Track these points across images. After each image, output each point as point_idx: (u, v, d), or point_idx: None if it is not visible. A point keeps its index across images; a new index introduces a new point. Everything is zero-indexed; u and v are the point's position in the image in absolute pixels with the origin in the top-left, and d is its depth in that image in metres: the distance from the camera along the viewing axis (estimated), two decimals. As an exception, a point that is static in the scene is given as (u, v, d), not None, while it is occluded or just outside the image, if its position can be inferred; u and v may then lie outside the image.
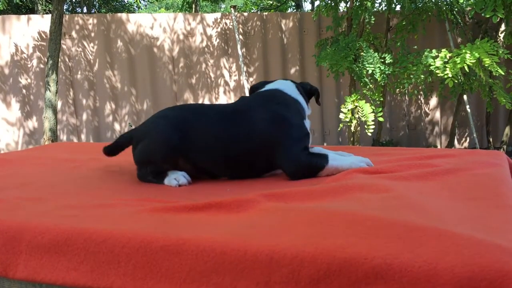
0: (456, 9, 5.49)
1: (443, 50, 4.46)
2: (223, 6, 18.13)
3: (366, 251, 0.71)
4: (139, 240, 0.84)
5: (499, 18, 3.93)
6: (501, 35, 5.68)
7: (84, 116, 5.92)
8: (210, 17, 6.05)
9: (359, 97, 4.55)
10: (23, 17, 5.64)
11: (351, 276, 0.70)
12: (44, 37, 5.60)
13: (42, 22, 5.63)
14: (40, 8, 11.85)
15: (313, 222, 0.85)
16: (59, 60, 5.30)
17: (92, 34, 5.81)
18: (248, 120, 1.47)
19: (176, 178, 1.43)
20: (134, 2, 16.54)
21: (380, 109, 4.42)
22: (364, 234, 0.76)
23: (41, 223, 0.95)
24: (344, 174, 1.31)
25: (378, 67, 4.39)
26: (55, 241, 0.90)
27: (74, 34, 5.77)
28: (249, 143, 1.45)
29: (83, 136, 5.94)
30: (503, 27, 5.61)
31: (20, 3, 12.40)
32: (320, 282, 0.71)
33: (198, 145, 1.46)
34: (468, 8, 5.72)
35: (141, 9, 17.90)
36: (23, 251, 0.92)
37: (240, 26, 6.05)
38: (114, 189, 1.33)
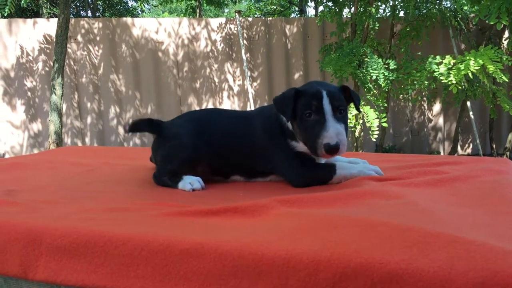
0: (460, 15, 5.53)
1: (447, 56, 4.49)
2: (226, 10, 18.21)
3: (381, 256, 0.73)
4: (158, 243, 0.86)
5: (503, 25, 3.96)
6: (505, 42, 5.71)
7: (89, 120, 5.96)
8: (214, 22, 6.10)
9: (363, 102, 4.58)
10: (29, 21, 5.70)
11: (366, 280, 0.72)
12: (50, 40, 5.65)
13: (48, 26, 5.68)
14: (45, 11, 11.93)
15: (327, 227, 0.88)
16: (65, 63, 5.35)
17: (98, 38, 5.86)
18: (250, 125, 1.56)
19: (191, 182, 1.46)
20: (138, 6, 16.64)
21: (384, 114, 4.45)
22: (378, 240, 0.79)
23: (61, 225, 0.97)
24: (355, 181, 1.33)
25: (382, 73, 4.42)
26: (75, 243, 0.92)
27: (79, 38, 5.82)
28: (250, 147, 1.53)
29: (87, 140, 5.97)
30: (506, 34, 5.63)
31: (25, 7, 12.49)
32: (335, 286, 0.73)
33: (216, 148, 1.54)
34: (472, 15, 5.75)
35: (145, 13, 17.99)
36: (43, 253, 0.94)
37: (244, 31, 6.09)
38: (129, 193, 1.35)
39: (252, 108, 5.54)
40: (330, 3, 5.35)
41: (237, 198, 1.22)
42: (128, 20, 5.97)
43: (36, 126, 5.82)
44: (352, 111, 4.47)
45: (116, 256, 0.88)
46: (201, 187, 1.46)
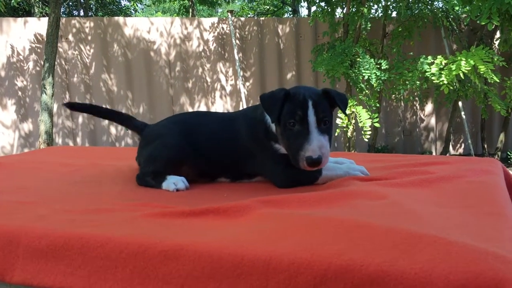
0: (451, 16, 5.54)
1: (438, 56, 4.50)
2: (219, 10, 18.18)
3: (362, 257, 0.72)
4: (136, 245, 0.84)
5: (494, 25, 3.97)
6: (496, 42, 5.73)
7: (80, 119, 5.91)
8: (207, 22, 6.07)
9: (355, 102, 4.57)
10: (20, 20, 5.64)
11: (347, 282, 0.70)
12: (41, 39, 5.60)
13: (38, 25, 5.63)
14: (37, 11, 11.83)
15: (309, 228, 0.86)
16: (56, 63, 5.30)
17: (89, 37, 5.82)
18: (234, 127, 1.55)
19: (175, 182, 1.44)
20: (131, 6, 16.56)
21: (377, 114, 4.45)
22: (360, 241, 0.77)
23: (39, 227, 0.95)
24: (340, 181, 1.32)
25: (374, 72, 4.42)
26: (52, 245, 0.90)
27: (70, 37, 5.77)
28: (235, 149, 1.52)
29: (78, 140, 5.93)
30: (498, 35, 5.66)
31: (17, 6, 12.38)
32: (316, 288, 0.72)
33: (200, 149, 1.53)
34: (464, 15, 5.77)
35: (138, 12, 17.91)
36: (20, 256, 0.92)
37: (237, 30, 6.07)
38: (112, 194, 1.33)
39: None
40: (322, 3, 5.34)
41: (220, 199, 1.21)
42: (120, 19, 5.93)
43: (27, 126, 5.77)
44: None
45: (94, 259, 0.86)
46: (185, 187, 1.44)
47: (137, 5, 17.15)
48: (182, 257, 0.80)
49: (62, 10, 13.66)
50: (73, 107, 1.90)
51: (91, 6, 14.49)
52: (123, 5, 16.22)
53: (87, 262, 0.87)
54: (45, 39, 5.02)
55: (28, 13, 11.92)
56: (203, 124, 1.59)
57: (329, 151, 1.32)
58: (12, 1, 5.23)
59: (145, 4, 19.04)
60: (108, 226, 0.94)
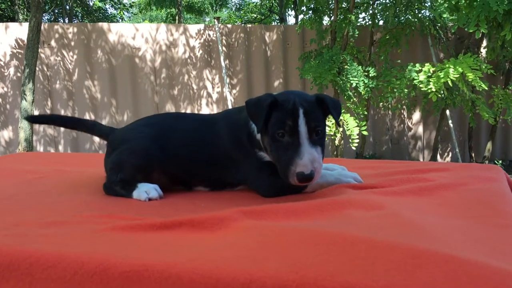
0: (438, 24, 5.53)
1: (426, 64, 4.46)
2: (207, 19, 18.13)
3: (361, 280, 0.60)
4: (94, 265, 0.71)
5: (481, 33, 3.94)
6: (483, 51, 5.74)
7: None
8: (193, 28, 5.98)
9: (343, 110, 4.49)
10: (1, 25, 5.49)
11: (342, 309, 0.59)
12: (22, 45, 5.44)
13: (20, 30, 5.48)
14: (21, 17, 11.63)
15: (298, 244, 0.74)
16: (37, 69, 5.14)
17: (72, 43, 5.67)
18: (214, 131, 1.42)
19: (146, 191, 1.31)
20: (118, 14, 16.43)
21: (365, 122, 4.37)
22: (358, 260, 0.66)
23: (-18, 244, 0.81)
24: (331, 189, 1.20)
25: (362, 80, 4.35)
26: (-4, 265, 0.77)
27: (53, 42, 5.62)
28: (215, 155, 1.39)
29: (60, 147, 5.75)
30: (485, 43, 5.67)
31: (0, 12, 12.16)
32: (305, 316, 0.60)
33: (174, 154, 1.40)
34: (451, 24, 5.78)
35: (125, 20, 17.77)
36: (-40, 277, 0.79)
37: (224, 37, 5.98)
38: (75, 203, 1.19)
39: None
40: (310, 12, 5.28)
41: (197, 208, 1.08)
42: (104, 25, 5.80)
43: (7, 134, 5.59)
44: (332, 119, 4.38)
45: (44, 280, 0.73)
46: (158, 195, 1.31)
47: (123, 13, 17.03)
48: (146, 280, 0.68)
49: (47, 18, 13.48)
50: (35, 120, 1.79)
51: (77, 14, 14.32)
52: (109, 13, 16.08)
53: (36, 285, 0.73)
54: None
55: (12, 20, 11.70)
56: (178, 126, 1.45)
57: (321, 164, 1.19)
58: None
59: (132, 13, 18.93)
60: (63, 241, 0.81)
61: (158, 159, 1.38)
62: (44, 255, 0.74)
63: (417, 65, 4.49)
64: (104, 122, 5.78)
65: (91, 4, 14.64)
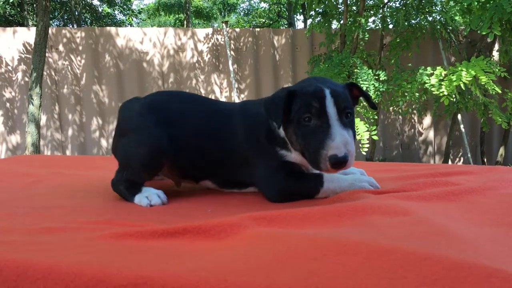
0: (450, 27, 5.44)
1: (438, 67, 4.36)
2: (215, 25, 18.19)
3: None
4: (87, 277, 0.64)
5: (494, 36, 3.85)
6: (496, 54, 5.63)
7: (70, 132, 5.72)
8: (201, 33, 5.94)
9: (353, 114, 4.40)
10: (9, 29, 5.49)
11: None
12: (30, 49, 5.44)
13: (28, 35, 5.48)
14: (31, 23, 11.72)
15: (315, 254, 0.66)
16: (45, 73, 5.13)
17: (80, 48, 5.66)
18: (229, 124, 1.30)
19: (148, 196, 1.22)
20: (127, 20, 16.51)
21: (375, 127, 4.28)
22: (386, 273, 0.58)
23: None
24: (349, 193, 1.11)
25: (372, 84, 4.27)
26: (-17, 275, 0.70)
27: (61, 47, 5.61)
28: (227, 150, 1.29)
29: (68, 152, 5.73)
30: (497, 46, 5.56)
31: (10, 18, 12.26)
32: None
33: (184, 146, 1.29)
34: (462, 27, 5.68)
35: (133, 26, 17.86)
36: None
37: (232, 42, 5.94)
38: (74, 208, 1.12)
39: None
40: (319, 16, 5.23)
41: (203, 214, 1.00)
42: (112, 29, 5.79)
43: (15, 138, 5.58)
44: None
45: (34, 294, 0.66)
46: (161, 202, 1.22)
47: (132, 19, 17.12)
48: (146, 294, 0.60)
49: (55, 23, 13.58)
50: None
51: (86, 20, 14.41)
52: (118, 19, 16.16)
53: (24, 299, 0.66)
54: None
55: (22, 25, 11.80)
56: (191, 112, 1.33)
57: (354, 149, 1.08)
58: None
59: (141, 19, 19.03)
60: (56, 250, 0.74)
61: (167, 155, 1.27)
62: (33, 265, 0.67)
63: (429, 68, 4.40)
64: (111, 127, 5.76)
65: (100, 10, 14.73)
